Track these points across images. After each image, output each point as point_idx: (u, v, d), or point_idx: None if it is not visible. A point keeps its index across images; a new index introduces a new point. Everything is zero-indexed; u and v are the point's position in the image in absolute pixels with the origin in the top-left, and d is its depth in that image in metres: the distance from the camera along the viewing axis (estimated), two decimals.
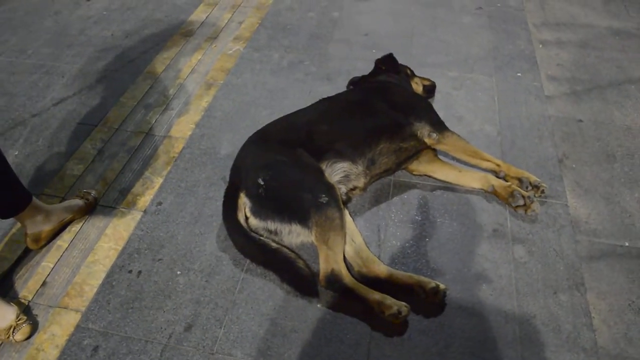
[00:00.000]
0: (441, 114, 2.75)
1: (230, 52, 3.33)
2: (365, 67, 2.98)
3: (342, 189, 2.24)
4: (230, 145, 2.64)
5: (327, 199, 2.05)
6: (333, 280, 1.97)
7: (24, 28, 3.64)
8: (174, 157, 2.61)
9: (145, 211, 2.35)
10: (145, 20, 3.63)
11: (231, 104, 2.91)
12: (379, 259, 2.11)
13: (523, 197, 2.29)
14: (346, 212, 2.22)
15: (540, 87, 3.10)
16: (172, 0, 3.87)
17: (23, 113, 2.90)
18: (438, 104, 2.92)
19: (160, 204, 2.39)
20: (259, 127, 2.39)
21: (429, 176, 2.46)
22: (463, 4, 3.87)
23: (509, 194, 2.31)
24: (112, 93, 3.03)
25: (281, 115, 2.48)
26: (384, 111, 2.41)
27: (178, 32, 3.51)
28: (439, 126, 2.43)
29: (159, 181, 2.49)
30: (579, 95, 3.21)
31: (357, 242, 2.14)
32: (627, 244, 2.29)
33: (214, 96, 2.97)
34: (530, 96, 3.00)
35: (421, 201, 2.38)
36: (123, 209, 2.36)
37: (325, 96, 2.60)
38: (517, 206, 2.29)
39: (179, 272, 2.11)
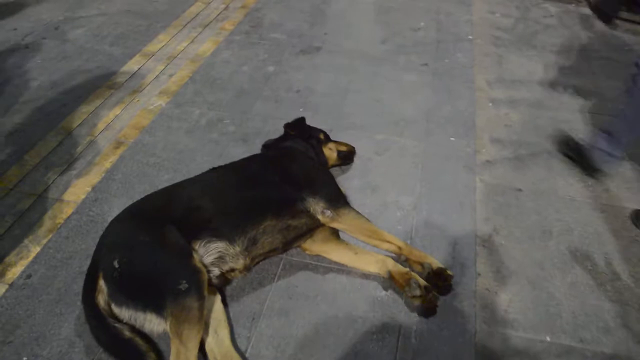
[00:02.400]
0: (355, 183, 2.55)
1: (152, 107, 3.18)
2: None
3: (216, 272, 2.03)
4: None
5: (187, 285, 1.84)
6: None
7: None
8: (59, 223, 2.43)
9: (11, 284, 2.16)
10: (75, 71, 3.52)
11: (135, 166, 2.74)
12: (245, 354, 1.88)
13: (420, 286, 2.05)
14: (217, 299, 2.02)
15: (472, 153, 2.89)
16: (109, 50, 3.77)
17: None
18: (355, 171, 2.72)
19: (29, 276, 2.19)
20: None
21: (323, 257, 2.24)
22: (410, 60, 3.71)
23: (406, 282, 2.08)
24: (19, 149, 2.88)
25: (183, 179, 2.31)
26: (274, 184, 2.23)
27: (104, 84, 3.39)
28: (335, 202, 2.23)
29: (35, 250, 2.30)
30: (523, 161, 3.01)
31: (220, 334, 1.92)
32: (548, 338, 2.05)
33: (120, 156, 2.81)
34: (459, 164, 2.79)
35: (309, 286, 2.16)
36: None
37: (235, 159, 2.44)
38: (413, 296, 2.06)
39: (25, 359, 1.91)
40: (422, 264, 2.16)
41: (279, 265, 2.24)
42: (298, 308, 2.07)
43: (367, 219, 2.25)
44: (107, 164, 2.76)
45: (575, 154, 2.87)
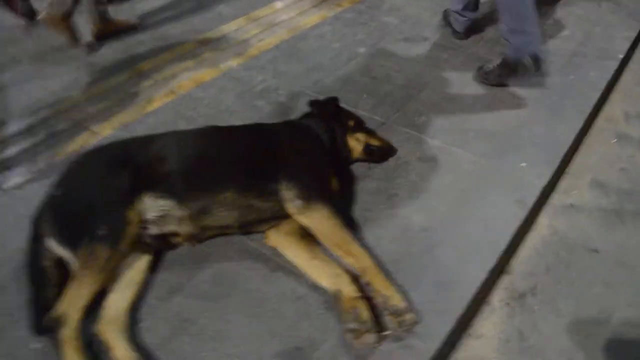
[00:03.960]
0: (372, 185, 2.25)
1: (222, 65, 3.12)
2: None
3: (154, 230, 1.85)
4: None
5: (105, 232, 1.71)
6: (53, 324, 1.61)
7: None
8: (75, 150, 2.49)
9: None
10: (177, 21, 3.65)
11: (170, 116, 2.71)
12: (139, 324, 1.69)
13: (359, 320, 1.61)
14: (145, 259, 1.85)
15: (539, 187, 2.22)
16: (220, 9, 3.82)
17: None
18: (382, 171, 2.28)
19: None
20: None
21: (280, 251, 1.91)
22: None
23: (349, 309, 1.65)
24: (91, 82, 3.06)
25: None
26: (254, 156, 1.96)
27: (196, 39, 3.44)
28: (310, 194, 1.86)
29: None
30: (622, 217, 2.30)
31: (124, 295, 1.75)
32: None
33: (164, 103, 2.80)
34: (512, 196, 2.16)
35: (249, 278, 1.85)
36: None
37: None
38: (348, 329, 1.62)
39: None
40: (382, 295, 1.70)
41: (232, 246, 1.97)
42: (221, 297, 1.79)
43: (341, 224, 1.83)
44: (149, 108, 2.77)
45: None
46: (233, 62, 3.15)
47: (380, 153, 2.30)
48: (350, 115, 2.33)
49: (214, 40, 3.42)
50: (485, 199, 2.15)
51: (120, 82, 3.01)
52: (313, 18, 3.67)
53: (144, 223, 1.83)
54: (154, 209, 1.85)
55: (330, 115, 2.24)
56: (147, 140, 2.01)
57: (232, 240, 1.98)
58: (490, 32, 3.38)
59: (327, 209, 1.85)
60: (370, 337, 1.59)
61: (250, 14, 3.75)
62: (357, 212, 2.09)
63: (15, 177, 2.34)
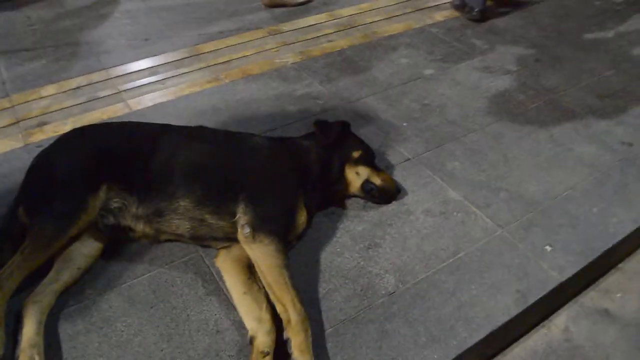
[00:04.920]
0: (359, 227, 1.98)
1: (277, 61, 3.02)
2: None
3: (110, 220, 1.82)
4: None
5: (61, 212, 1.72)
6: None
7: None
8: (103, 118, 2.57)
9: None
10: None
11: (201, 104, 2.68)
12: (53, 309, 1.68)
13: None
14: (95, 247, 1.83)
15: (557, 280, 1.83)
16: None
17: None
18: (376, 215, 2.03)
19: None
20: None
21: (222, 274, 1.78)
22: (610, 129, 2.50)
23: None
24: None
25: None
26: (219, 170, 1.85)
27: (269, 27, 3.36)
28: (263, 223, 1.71)
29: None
30: None
31: (57, 279, 1.73)
32: None
33: (202, 89, 2.78)
34: (514, 286, 1.80)
35: (180, 295, 1.75)
36: None
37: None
38: None
39: None
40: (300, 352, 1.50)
41: (185, 256, 1.88)
42: (147, 306, 1.70)
43: (282, 265, 1.65)
44: (187, 91, 2.76)
45: None
46: (289, 59, 3.03)
47: (381, 195, 2.04)
48: (357, 145, 2.09)
49: (283, 31, 3.32)
50: (481, 279, 1.81)
51: (177, 56, 3.04)
52: (396, 26, 3.41)
53: (103, 211, 1.81)
54: (116, 199, 1.82)
55: (332, 140, 2.03)
56: (131, 130, 1.99)
57: (189, 250, 1.89)
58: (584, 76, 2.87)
59: (274, 246, 1.67)
60: None
61: (335, 10, 3.59)
62: (326, 253, 1.88)
63: None
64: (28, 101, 2.66)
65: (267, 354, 1.50)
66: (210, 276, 1.80)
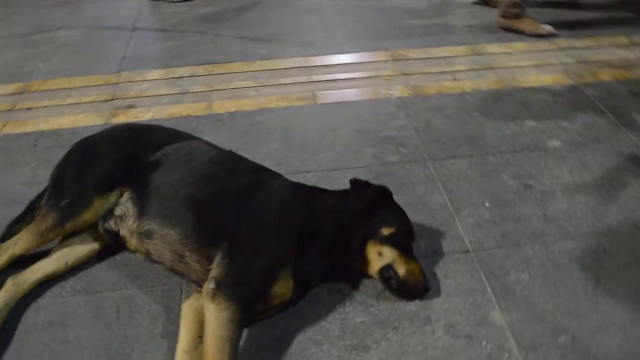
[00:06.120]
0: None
1: (383, 91, 2.71)
2: None
3: (110, 224, 1.79)
4: None
5: (64, 206, 1.76)
6: None
7: None
8: None
9: None
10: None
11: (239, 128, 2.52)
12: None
13: None
14: (89, 247, 1.82)
15: None
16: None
17: None
18: (388, 313, 1.66)
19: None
20: None
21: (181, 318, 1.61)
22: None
23: None
24: None
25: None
26: (215, 208, 1.69)
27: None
28: (229, 285, 1.49)
29: None
30: None
31: (44, 268, 1.76)
32: None
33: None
34: None
35: (127, 321, 1.63)
36: None
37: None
38: None
39: None
40: None
41: (167, 285, 1.75)
42: (94, 325, 1.62)
43: (229, 340, 1.40)
44: (281, 103, 2.62)
45: None
46: (397, 92, 2.70)
47: (400, 288, 1.66)
48: (393, 220, 1.72)
49: (407, 60, 2.98)
50: None
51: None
52: (544, 77, 2.83)
53: (108, 215, 1.78)
54: (121, 207, 1.78)
55: (363, 207, 1.70)
56: (163, 140, 1.91)
57: (174, 280, 1.76)
58: None
59: (229, 314, 1.44)
60: None
61: (478, 45, 3.11)
62: (303, 337, 1.59)
63: None
64: (132, 81, 2.79)
65: None
66: (176, 316, 1.65)
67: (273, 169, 2.02)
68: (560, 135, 2.40)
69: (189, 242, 1.63)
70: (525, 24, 3.19)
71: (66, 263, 1.78)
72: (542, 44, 3.13)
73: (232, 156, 1.90)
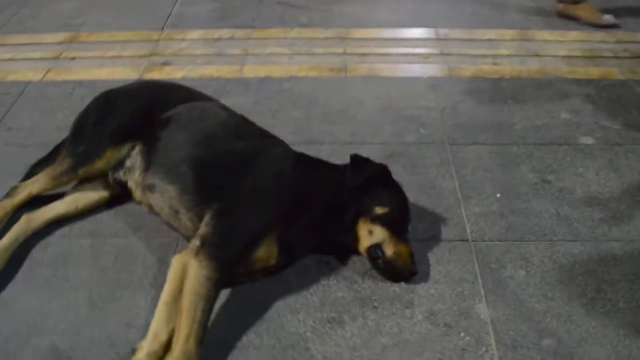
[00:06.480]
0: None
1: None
2: None
3: (120, 175, 1.88)
4: None
5: (79, 153, 1.86)
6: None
7: None
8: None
9: None
10: None
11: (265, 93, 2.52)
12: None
13: None
14: (100, 194, 1.92)
15: None
16: None
17: None
18: (371, 291, 1.66)
19: None
20: None
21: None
22: None
23: None
24: None
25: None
26: (213, 168, 1.72)
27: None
28: (213, 244, 1.53)
29: None
30: None
31: (55, 209, 1.87)
32: None
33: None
34: None
35: (117, 270, 1.71)
36: None
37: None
38: None
39: None
40: None
41: (166, 238, 1.82)
42: (91, 267, 1.72)
43: (204, 297, 1.44)
44: (342, 74, 2.59)
45: None
46: (431, 72, 2.64)
47: (386, 268, 1.65)
48: (388, 200, 1.70)
49: (449, 40, 2.86)
50: None
51: None
52: (593, 70, 2.67)
53: (119, 165, 1.87)
54: (131, 159, 1.86)
55: (357, 183, 1.69)
56: (179, 98, 1.96)
57: (173, 234, 1.83)
58: None
59: (207, 272, 1.48)
60: None
61: (529, 30, 2.94)
62: (281, 304, 1.61)
63: None
64: (172, 39, 2.86)
65: None
66: (167, 268, 1.70)
67: (289, 137, 2.04)
68: (595, 133, 2.25)
69: (184, 199, 1.69)
70: (583, 11, 2.97)
71: (76, 207, 1.89)
72: (598, 35, 2.91)
73: (242, 121, 1.92)
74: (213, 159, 1.73)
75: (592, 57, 2.73)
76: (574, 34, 2.94)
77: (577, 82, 2.55)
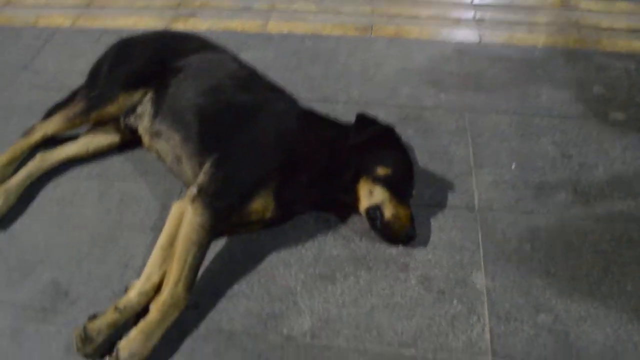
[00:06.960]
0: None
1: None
2: None
3: (131, 120, 1.90)
4: None
5: (92, 96, 1.90)
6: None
7: None
8: None
9: None
10: None
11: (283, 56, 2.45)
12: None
13: (86, 328, 1.40)
14: (111, 137, 1.96)
15: None
16: None
17: None
18: (366, 251, 1.63)
19: None
20: None
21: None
22: None
23: (103, 314, 1.44)
24: None
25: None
26: (218, 118, 1.70)
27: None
28: (210, 192, 1.53)
29: None
30: None
31: (68, 149, 1.92)
32: None
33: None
34: None
35: (121, 212, 1.75)
36: None
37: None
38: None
39: None
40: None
41: (170, 185, 1.84)
42: (97, 207, 1.76)
43: (196, 243, 1.45)
44: (367, 33, 2.53)
45: None
46: (459, 36, 2.52)
47: (383, 229, 1.61)
48: (391, 161, 1.65)
49: (484, 5, 2.72)
50: None
51: None
52: (636, 44, 2.47)
53: (130, 111, 1.88)
54: (143, 105, 1.87)
55: (360, 142, 1.65)
56: (192, 49, 1.95)
57: (176, 181, 1.85)
58: None
59: (202, 219, 1.49)
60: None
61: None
62: (275, 257, 1.61)
63: None
64: None
65: (121, 311, 1.42)
66: (165, 209, 1.74)
67: (304, 94, 2.00)
68: (629, 109, 2.12)
69: (187, 147, 1.69)
70: None
71: (88, 149, 1.93)
72: None
73: (252, 74, 1.90)
74: (217, 110, 1.72)
75: (638, 31, 2.54)
76: (622, 5, 2.74)
77: (617, 55, 2.39)
